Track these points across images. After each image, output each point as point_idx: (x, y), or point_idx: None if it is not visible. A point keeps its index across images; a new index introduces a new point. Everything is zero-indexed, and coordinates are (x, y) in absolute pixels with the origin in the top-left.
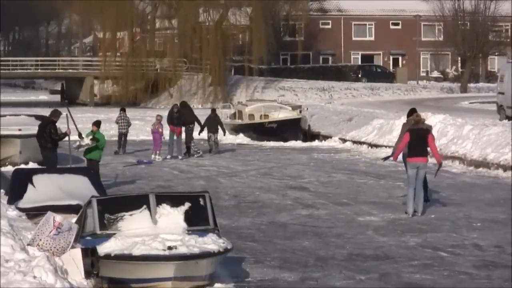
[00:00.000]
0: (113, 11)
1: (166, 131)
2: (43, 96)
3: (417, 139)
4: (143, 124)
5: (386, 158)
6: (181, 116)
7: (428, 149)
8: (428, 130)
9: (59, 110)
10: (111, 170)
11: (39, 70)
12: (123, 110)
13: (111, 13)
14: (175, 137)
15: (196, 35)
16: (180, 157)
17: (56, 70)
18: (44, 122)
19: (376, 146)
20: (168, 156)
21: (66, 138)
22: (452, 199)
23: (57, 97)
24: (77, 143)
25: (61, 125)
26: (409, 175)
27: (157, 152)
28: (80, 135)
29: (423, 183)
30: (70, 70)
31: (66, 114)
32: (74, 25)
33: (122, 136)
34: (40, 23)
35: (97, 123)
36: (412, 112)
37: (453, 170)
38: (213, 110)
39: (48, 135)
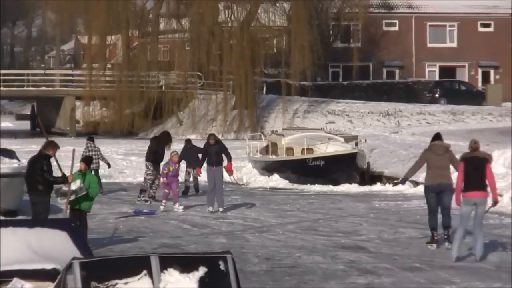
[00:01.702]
0: (102, 7)
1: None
2: (7, 123)
3: (475, 169)
4: (142, 161)
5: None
6: (221, 150)
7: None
8: (485, 159)
9: (55, 142)
10: (99, 223)
11: (1, 88)
12: (90, 139)
13: (99, 10)
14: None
15: (215, 40)
16: (221, 209)
17: (25, 88)
18: (35, 157)
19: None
20: (210, 209)
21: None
22: None
23: (26, 124)
24: (62, 188)
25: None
26: (463, 212)
27: (172, 200)
28: (64, 176)
29: (448, 213)
30: (44, 88)
31: (73, 150)
32: (49, 27)
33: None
34: (3, 23)
35: (87, 160)
36: (436, 137)
37: None
38: (188, 141)
39: (41, 175)
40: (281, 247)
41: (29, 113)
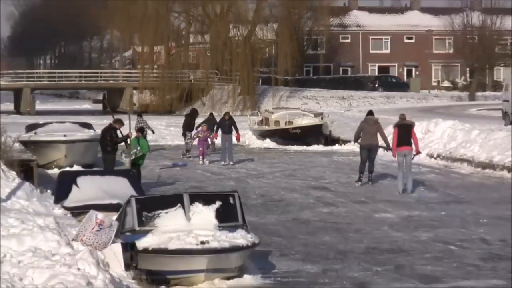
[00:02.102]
0: (151, 27)
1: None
2: (87, 105)
3: (404, 132)
4: (178, 130)
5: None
6: (232, 124)
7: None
8: (411, 125)
9: (121, 120)
10: (148, 172)
11: (83, 82)
12: (139, 115)
13: (149, 29)
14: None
15: (227, 49)
16: (231, 163)
17: (98, 82)
18: (106, 128)
19: (391, 149)
20: (222, 162)
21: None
22: (461, 197)
23: (99, 106)
24: (125, 150)
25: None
26: (399, 161)
27: (203, 157)
28: (126, 135)
29: (372, 165)
30: (111, 81)
31: (129, 115)
32: (115, 40)
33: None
34: (84, 38)
35: (140, 130)
36: (369, 113)
37: (462, 171)
38: (211, 114)
39: (110, 140)
40: (271, 188)
41: (101, 98)
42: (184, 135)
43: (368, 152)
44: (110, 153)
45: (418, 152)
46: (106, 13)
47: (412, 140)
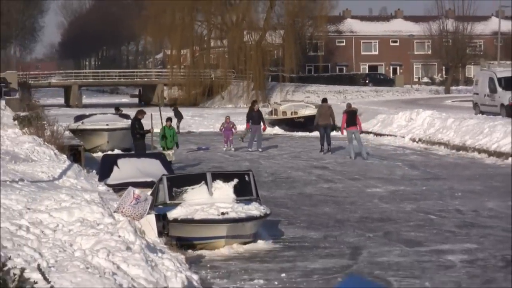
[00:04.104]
0: (178, 34)
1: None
2: (125, 99)
3: (351, 116)
4: (201, 119)
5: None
6: (260, 115)
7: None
8: (355, 111)
9: (143, 110)
10: (176, 155)
11: (122, 79)
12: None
13: (176, 35)
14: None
15: (242, 52)
16: (260, 149)
17: (135, 79)
18: (133, 119)
19: (380, 135)
20: (250, 149)
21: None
22: (439, 175)
23: (135, 100)
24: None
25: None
26: (349, 137)
27: (228, 144)
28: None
29: (329, 139)
30: (145, 79)
31: (151, 114)
32: (148, 45)
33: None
34: (122, 43)
35: (170, 119)
36: (324, 100)
37: (439, 153)
38: (254, 102)
39: (135, 129)
40: (279, 167)
41: (137, 93)
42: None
43: (324, 129)
44: (139, 139)
45: (361, 130)
46: (141, 22)
47: (356, 122)
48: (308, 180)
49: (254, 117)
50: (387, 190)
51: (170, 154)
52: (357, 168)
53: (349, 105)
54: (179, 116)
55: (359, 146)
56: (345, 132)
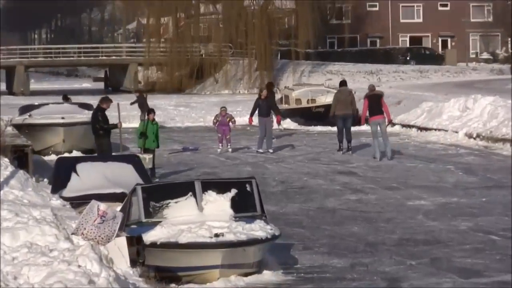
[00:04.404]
0: None
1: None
2: (87, 84)
3: (375, 102)
4: (188, 110)
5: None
6: (271, 103)
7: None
8: (381, 95)
9: (109, 97)
10: (156, 157)
11: (82, 58)
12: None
13: None
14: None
15: (241, 20)
16: (270, 151)
17: (99, 58)
18: (95, 109)
19: (426, 129)
20: (260, 150)
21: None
22: (504, 182)
23: (100, 85)
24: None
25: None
26: (373, 130)
27: (225, 144)
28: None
29: (349, 134)
30: (114, 57)
31: (118, 104)
32: (118, 12)
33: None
34: (83, 10)
35: (153, 111)
36: (343, 83)
37: (504, 152)
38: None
39: (98, 123)
40: (292, 173)
41: (102, 76)
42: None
43: (343, 121)
44: (103, 136)
45: (390, 121)
46: None
47: (382, 110)
48: (330, 190)
49: (261, 107)
50: (435, 202)
51: (146, 158)
52: (396, 174)
53: (372, 88)
54: (143, 106)
55: (384, 141)
56: (367, 125)
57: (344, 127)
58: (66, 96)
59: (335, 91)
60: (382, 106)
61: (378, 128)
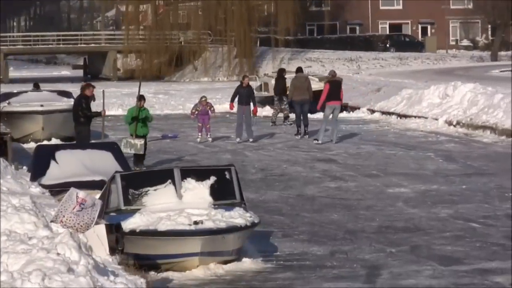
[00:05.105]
0: None
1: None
2: (66, 72)
3: (334, 88)
4: (167, 98)
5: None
6: (251, 93)
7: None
8: (340, 81)
9: (91, 84)
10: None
11: (61, 45)
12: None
13: None
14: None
15: (221, 7)
16: (251, 139)
17: (79, 45)
18: (77, 97)
19: (405, 116)
20: (238, 139)
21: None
22: (484, 169)
23: (79, 72)
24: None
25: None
26: (326, 114)
27: (204, 133)
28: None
29: (306, 118)
30: (93, 45)
31: (103, 91)
32: None
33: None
34: None
35: (143, 97)
36: (299, 70)
37: (484, 140)
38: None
39: (80, 110)
40: (272, 161)
41: (81, 64)
42: (280, 100)
43: (301, 106)
44: (84, 124)
45: (344, 106)
46: None
47: (340, 96)
48: (310, 178)
49: (242, 94)
50: (415, 190)
51: (138, 144)
52: (375, 161)
53: (333, 73)
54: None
55: (333, 125)
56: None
57: (301, 112)
58: (37, 84)
59: (318, 78)
60: (340, 92)
61: (332, 112)
